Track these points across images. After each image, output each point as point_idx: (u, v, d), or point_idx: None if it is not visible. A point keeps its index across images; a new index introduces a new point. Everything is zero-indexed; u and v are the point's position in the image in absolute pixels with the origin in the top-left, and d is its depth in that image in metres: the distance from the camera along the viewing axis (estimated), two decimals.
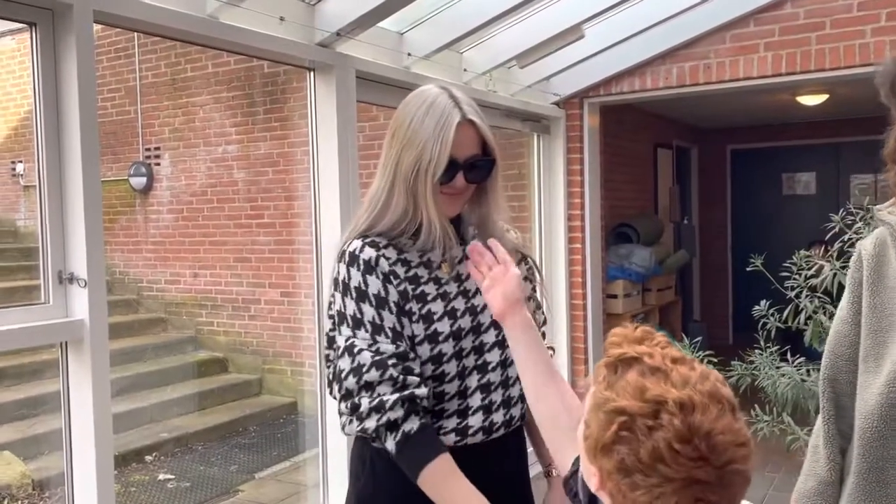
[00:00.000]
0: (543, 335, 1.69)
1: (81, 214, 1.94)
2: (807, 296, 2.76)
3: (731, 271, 8.34)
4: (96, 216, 1.97)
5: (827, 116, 7.24)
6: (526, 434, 1.65)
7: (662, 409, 0.80)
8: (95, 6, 1.97)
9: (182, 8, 2.22)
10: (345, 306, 1.44)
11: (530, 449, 1.67)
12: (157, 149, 7.24)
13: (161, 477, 5.13)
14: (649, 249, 5.85)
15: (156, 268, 7.26)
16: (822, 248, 2.80)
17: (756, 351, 2.90)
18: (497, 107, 3.77)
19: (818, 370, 2.73)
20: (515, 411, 1.54)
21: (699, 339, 3.21)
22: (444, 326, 1.46)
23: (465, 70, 3.56)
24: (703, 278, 8.38)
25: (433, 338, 1.45)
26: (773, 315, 2.86)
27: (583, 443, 0.89)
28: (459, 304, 1.49)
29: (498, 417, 1.50)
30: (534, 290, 1.66)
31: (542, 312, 1.68)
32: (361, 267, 1.44)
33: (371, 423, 1.38)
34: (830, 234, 2.72)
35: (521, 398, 1.56)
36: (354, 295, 1.44)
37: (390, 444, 1.38)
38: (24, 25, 1.96)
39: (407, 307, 1.45)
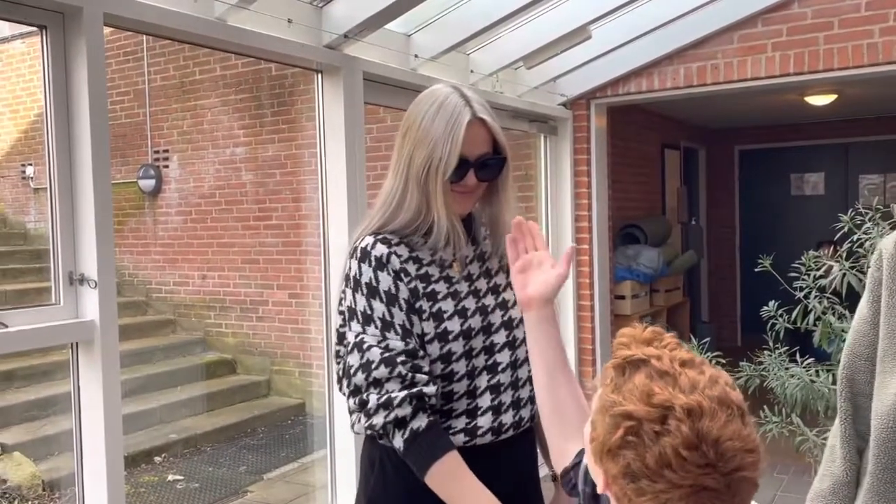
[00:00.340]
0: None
1: (92, 216, 1.95)
2: (816, 296, 2.75)
3: (740, 272, 8.31)
4: (106, 217, 1.98)
5: (835, 116, 7.21)
6: (536, 435, 1.64)
7: (670, 415, 0.79)
8: (105, 9, 1.98)
9: (191, 11, 2.24)
10: (355, 302, 1.45)
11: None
12: (165, 151, 7.27)
13: (170, 478, 5.15)
14: (657, 250, 5.84)
15: (164, 270, 7.29)
16: (832, 248, 2.79)
17: (765, 352, 2.89)
18: (504, 108, 3.77)
19: (827, 371, 2.74)
20: (525, 413, 1.54)
21: (707, 340, 3.20)
22: (454, 325, 1.46)
23: (471, 71, 3.56)
24: (712, 279, 8.36)
25: (443, 336, 1.45)
26: (781, 316, 2.85)
27: (589, 444, 0.89)
28: (470, 303, 1.49)
29: (507, 419, 1.50)
30: None
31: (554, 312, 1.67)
32: (373, 263, 1.44)
33: (379, 420, 1.38)
34: (839, 234, 2.71)
35: (531, 400, 1.56)
36: (365, 291, 1.44)
37: (398, 442, 1.38)
38: (34, 28, 1.98)
39: (417, 305, 1.45)
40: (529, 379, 1.55)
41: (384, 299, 1.43)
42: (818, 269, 2.75)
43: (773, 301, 2.88)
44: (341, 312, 1.49)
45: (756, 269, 2.96)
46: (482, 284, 1.53)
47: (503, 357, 1.51)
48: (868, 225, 2.63)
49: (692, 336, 3.33)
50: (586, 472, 1.03)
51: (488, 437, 1.48)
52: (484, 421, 1.48)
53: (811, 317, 2.74)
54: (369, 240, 1.47)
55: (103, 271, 1.97)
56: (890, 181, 7.61)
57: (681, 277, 6.67)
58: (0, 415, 5.27)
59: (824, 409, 2.72)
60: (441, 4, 3.08)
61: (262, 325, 6.81)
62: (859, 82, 4.53)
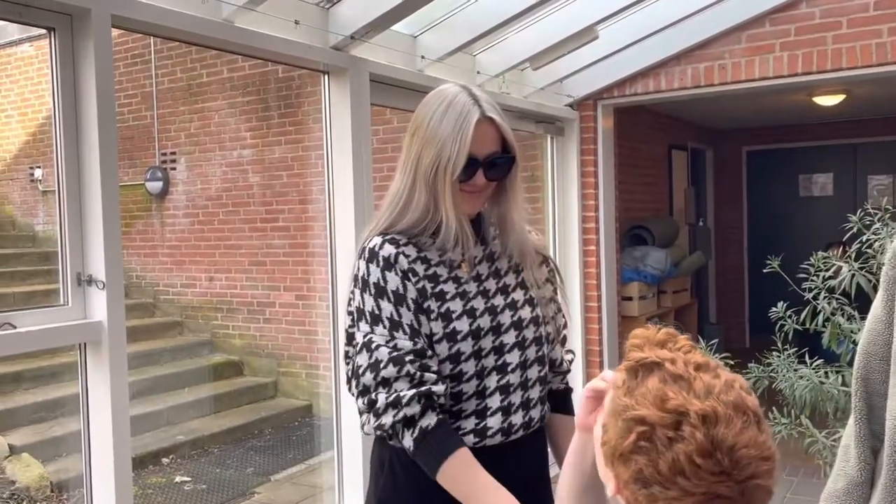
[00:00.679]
0: (564, 339, 1.68)
1: (100, 218, 1.96)
2: (825, 297, 2.74)
3: (748, 273, 8.28)
4: (114, 219, 1.99)
5: (844, 117, 7.18)
6: (547, 436, 1.64)
7: (684, 421, 0.78)
8: (113, 11, 1.99)
9: (198, 12, 2.24)
10: (363, 302, 1.45)
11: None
12: (173, 153, 7.29)
13: (178, 479, 5.16)
14: (664, 251, 5.82)
15: (172, 271, 7.31)
16: (841, 248, 2.78)
17: (773, 353, 2.87)
18: (510, 109, 3.77)
19: (836, 372, 2.72)
20: (535, 413, 1.53)
21: (715, 341, 3.19)
22: (462, 325, 1.45)
23: (478, 72, 3.56)
24: (719, 280, 8.33)
25: (451, 336, 1.45)
26: (790, 317, 2.84)
27: (600, 448, 0.87)
28: (479, 303, 1.48)
29: (517, 419, 1.50)
30: (555, 292, 1.65)
31: (563, 315, 1.67)
32: (381, 263, 1.44)
33: (388, 419, 1.38)
34: (848, 234, 2.70)
35: (541, 400, 1.56)
36: (373, 291, 1.44)
37: (408, 441, 1.38)
38: (43, 32, 1.99)
39: (425, 305, 1.44)
40: (540, 379, 1.55)
41: (392, 299, 1.43)
42: (827, 270, 2.73)
43: (782, 302, 2.87)
44: (350, 313, 1.49)
45: (764, 270, 2.95)
46: (491, 285, 1.52)
47: (513, 357, 1.50)
48: (877, 225, 2.62)
49: (700, 337, 3.33)
50: None
51: (498, 438, 1.48)
52: (493, 422, 1.47)
53: (820, 318, 2.73)
54: (377, 240, 1.47)
55: (111, 273, 1.98)
56: None
57: (688, 279, 6.65)
58: (8, 416, 5.29)
59: (833, 410, 2.70)
60: (447, 5, 3.08)
61: (269, 326, 6.82)
62: (868, 82, 4.51)
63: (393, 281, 1.43)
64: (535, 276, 1.58)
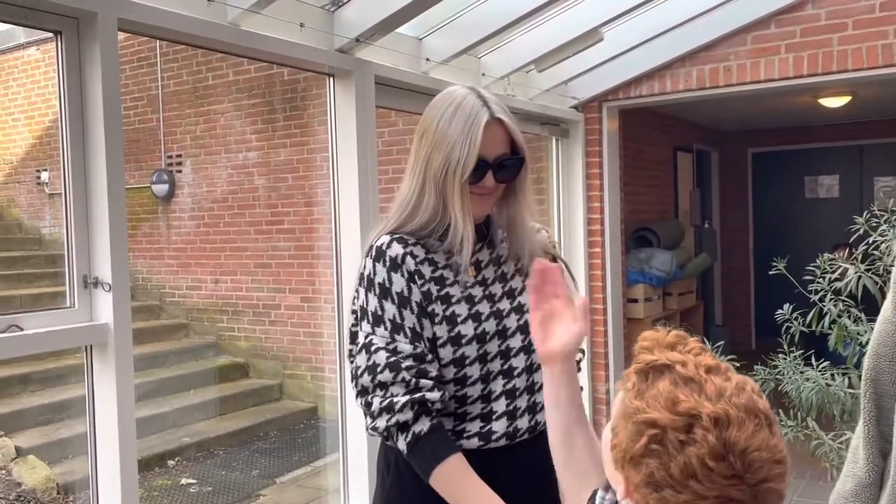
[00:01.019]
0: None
1: (106, 220, 1.96)
2: (831, 299, 2.73)
3: (753, 275, 8.25)
4: (120, 222, 1.99)
5: (850, 118, 7.16)
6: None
7: (696, 424, 0.77)
8: (119, 14, 2.00)
9: (203, 15, 2.25)
10: (367, 302, 1.45)
11: None
12: (178, 156, 7.31)
13: (183, 481, 5.17)
14: (670, 253, 5.81)
15: (178, 274, 7.32)
16: (847, 250, 2.77)
17: (779, 355, 2.87)
18: (515, 111, 3.75)
19: (843, 375, 2.71)
20: (541, 417, 1.52)
21: (721, 343, 3.18)
22: (467, 329, 1.45)
23: (483, 74, 3.56)
24: (725, 282, 8.31)
25: (456, 340, 1.44)
26: (796, 319, 2.83)
27: (609, 451, 0.87)
28: (484, 307, 1.48)
29: (522, 423, 1.49)
30: None
31: None
32: (387, 263, 1.44)
33: (381, 423, 1.39)
34: (855, 236, 2.69)
35: None
36: (378, 291, 1.44)
37: (401, 445, 1.39)
38: (49, 35, 2.00)
39: (430, 308, 1.44)
40: None
41: (396, 301, 1.43)
42: (833, 272, 2.73)
43: (788, 304, 2.86)
44: (354, 312, 1.49)
45: (770, 272, 2.94)
46: (497, 289, 1.52)
47: (519, 361, 1.50)
48: (884, 227, 2.61)
49: (706, 339, 3.31)
50: None
51: (503, 442, 1.47)
52: (499, 426, 1.47)
53: (826, 320, 2.72)
54: (385, 239, 1.46)
55: (117, 275, 1.98)
56: None
57: (694, 281, 6.63)
58: (15, 418, 5.31)
59: (840, 412, 2.69)
60: (452, 8, 3.08)
61: (275, 328, 6.83)
62: (874, 83, 4.49)
63: (398, 282, 1.43)
64: None
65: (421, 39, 3.17)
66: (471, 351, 1.45)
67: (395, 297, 1.43)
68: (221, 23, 2.31)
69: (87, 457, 2.06)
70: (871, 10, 3.64)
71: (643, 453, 0.79)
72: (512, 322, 1.50)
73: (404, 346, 1.41)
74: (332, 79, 2.76)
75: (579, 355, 1.71)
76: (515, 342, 1.50)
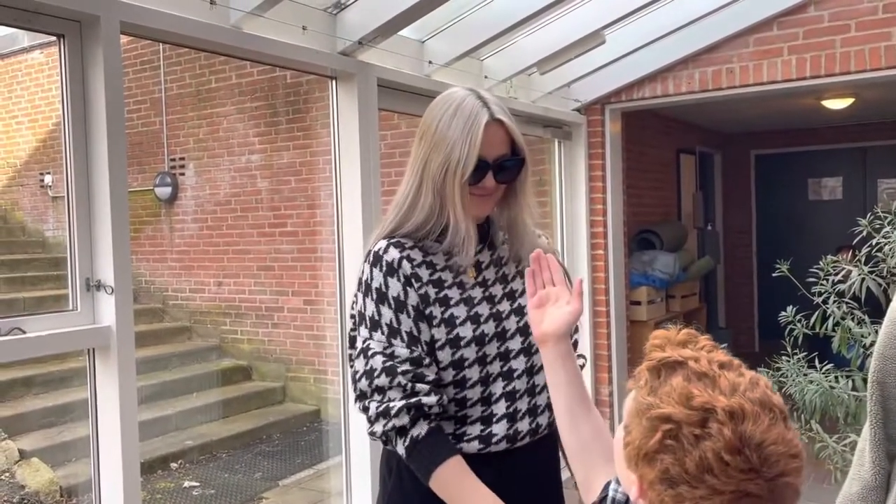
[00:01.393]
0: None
1: (109, 223, 1.97)
2: (834, 301, 2.72)
3: (757, 277, 8.24)
4: (123, 225, 1.99)
5: (853, 120, 7.15)
6: (558, 441, 1.62)
7: (711, 418, 0.76)
8: (122, 17, 2.00)
9: (206, 19, 2.25)
10: (365, 307, 1.45)
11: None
12: (181, 159, 7.32)
13: (186, 484, 5.17)
14: (673, 255, 5.80)
15: (181, 277, 7.33)
16: (850, 252, 2.76)
17: (783, 358, 2.86)
18: (518, 113, 3.77)
19: (847, 377, 2.70)
20: (542, 420, 1.52)
21: (724, 346, 3.17)
22: (466, 331, 1.45)
23: (485, 77, 3.56)
24: (728, 284, 8.29)
25: (455, 342, 1.44)
26: (800, 321, 2.82)
27: (622, 449, 0.86)
28: (483, 309, 1.48)
29: (523, 426, 1.49)
30: None
31: None
32: (384, 268, 1.44)
33: (379, 428, 1.39)
34: (858, 238, 2.68)
35: (549, 406, 1.54)
36: (375, 296, 1.44)
37: (400, 449, 1.39)
38: (53, 39, 2.00)
39: (427, 311, 1.44)
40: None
41: (393, 305, 1.43)
42: (836, 274, 2.72)
43: (791, 306, 2.85)
44: (352, 317, 1.49)
45: (773, 275, 2.94)
46: (497, 290, 1.51)
47: (519, 363, 1.49)
48: (887, 229, 2.60)
49: None
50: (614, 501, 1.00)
51: (503, 445, 1.47)
52: (499, 428, 1.46)
53: (830, 322, 2.71)
54: (382, 244, 1.47)
55: (120, 278, 1.98)
56: None
57: (697, 283, 6.63)
58: (18, 421, 5.31)
59: (844, 415, 2.68)
60: (454, 10, 3.08)
61: (278, 331, 6.83)
62: (877, 85, 4.48)
63: (394, 287, 1.43)
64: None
65: (423, 42, 3.18)
66: (469, 353, 1.45)
67: (392, 301, 1.43)
68: (224, 26, 2.31)
69: (90, 460, 2.06)
70: (873, 11, 3.63)
71: (657, 449, 0.78)
72: (511, 324, 1.50)
73: (401, 350, 1.41)
74: (334, 81, 2.77)
75: (581, 360, 1.71)
76: (515, 344, 1.49)
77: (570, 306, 1.28)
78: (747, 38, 3.93)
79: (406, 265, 1.44)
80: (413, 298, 1.43)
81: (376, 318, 1.43)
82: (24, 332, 1.87)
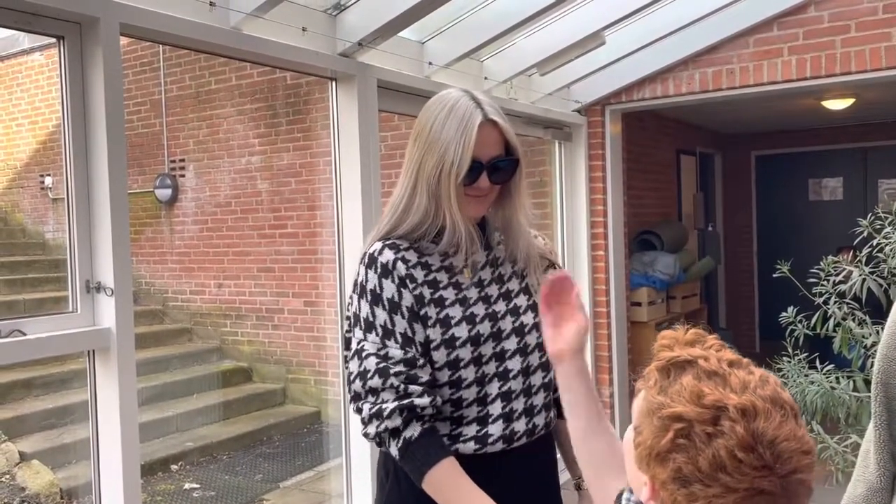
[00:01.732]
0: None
1: (108, 225, 1.96)
2: (835, 302, 2.72)
3: (757, 278, 8.24)
4: (123, 226, 1.99)
5: (853, 121, 7.14)
6: (556, 443, 1.62)
7: (723, 415, 0.76)
8: (122, 19, 2.00)
9: (206, 20, 2.25)
10: (360, 308, 1.45)
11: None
12: (181, 161, 7.32)
13: (187, 486, 5.16)
14: (673, 256, 5.80)
15: (181, 278, 7.33)
16: (851, 253, 2.76)
17: (784, 358, 2.86)
18: (518, 114, 3.77)
19: (848, 378, 2.70)
20: (539, 420, 1.52)
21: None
22: (461, 331, 1.44)
23: (485, 78, 3.56)
24: (729, 285, 8.29)
25: (450, 343, 1.44)
26: (800, 322, 2.82)
27: (633, 450, 0.85)
28: (479, 309, 1.47)
29: (519, 426, 1.48)
30: None
31: None
32: (378, 270, 1.44)
33: (372, 430, 1.39)
34: (858, 238, 2.68)
35: (546, 406, 1.54)
36: (369, 298, 1.44)
37: (393, 450, 1.39)
38: (53, 40, 2.00)
39: (422, 312, 1.44)
40: (544, 385, 1.54)
41: (387, 307, 1.43)
42: (837, 275, 2.72)
43: (792, 307, 2.85)
44: (347, 318, 1.49)
45: (774, 275, 2.94)
46: (493, 290, 1.51)
47: (514, 364, 1.49)
48: (888, 229, 2.60)
49: None
50: None
51: (499, 445, 1.47)
52: (495, 429, 1.46)
53: (830, 323, 2.71)
54: (377, 245, 1.47)
55: (120, 279, 1.98)
56: None
57: (698, 284, 6.62)
58: (19, 423, 5.31)
59: (845, 416, 2.68)
60: (454, 11, 3.08)
61: (278, 333, 6.83)
62: (877, 85, 4.48)
63: (389, 288, 1.43)
64: (539, 281, 1.57)
65: (423, 43, 3.18)
66: (465, 353, 1.44)
67: (386, 302, 1.43)
68: (224, 27, 2.31)
69: (91, 461, 2.06)
70: (874, 11, 3.63)
71: (670, 448, 0.78)
72: (507, 324, 1.49)
73: (395, 351, 1.41)
74: (334, 83, 2.76)
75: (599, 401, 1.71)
76: (511, 344, 1.49)
77: (577, 323, 1.27)
78: (747, 38, 3.93)
79: (401, 266, 1.44)
80: (407, 299, 1.43)
81: (370, 319, 1.43)
82: (24, 334, 1.87)
